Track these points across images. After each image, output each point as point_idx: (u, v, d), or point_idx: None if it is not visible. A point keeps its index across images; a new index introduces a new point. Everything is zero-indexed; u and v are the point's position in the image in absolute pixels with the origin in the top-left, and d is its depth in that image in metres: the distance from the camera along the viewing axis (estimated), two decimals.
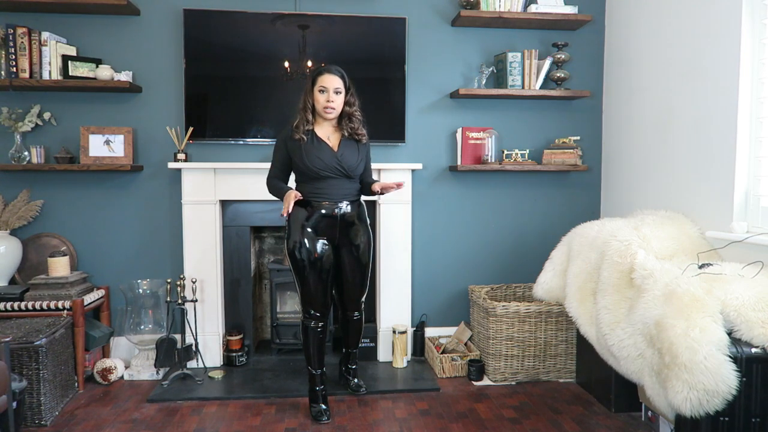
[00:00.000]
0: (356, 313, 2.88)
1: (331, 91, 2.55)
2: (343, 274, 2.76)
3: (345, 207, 2.65)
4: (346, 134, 2.65)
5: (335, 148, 2.62)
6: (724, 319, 1.96)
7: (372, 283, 3.22)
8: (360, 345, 3.10)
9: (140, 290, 3.21)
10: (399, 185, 2.58)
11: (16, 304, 2.92)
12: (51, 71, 3.10)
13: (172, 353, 3.09)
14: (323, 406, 2.67)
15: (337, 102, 2.58)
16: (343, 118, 2.65)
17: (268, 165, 3.23)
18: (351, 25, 3.34)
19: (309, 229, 2.61)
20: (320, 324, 2.69)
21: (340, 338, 3.05)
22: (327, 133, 2.65)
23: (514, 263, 3.64)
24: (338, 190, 2.63)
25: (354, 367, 2.99)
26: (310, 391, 2.73)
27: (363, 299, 2.87)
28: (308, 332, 2.69)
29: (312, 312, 2.67)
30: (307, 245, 2.60)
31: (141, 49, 3.28)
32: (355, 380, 2.97)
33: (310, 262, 2.60)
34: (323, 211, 2.62)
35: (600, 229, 2.73)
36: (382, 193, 2.69)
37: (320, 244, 2.63)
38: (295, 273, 2.66)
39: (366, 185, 2.75)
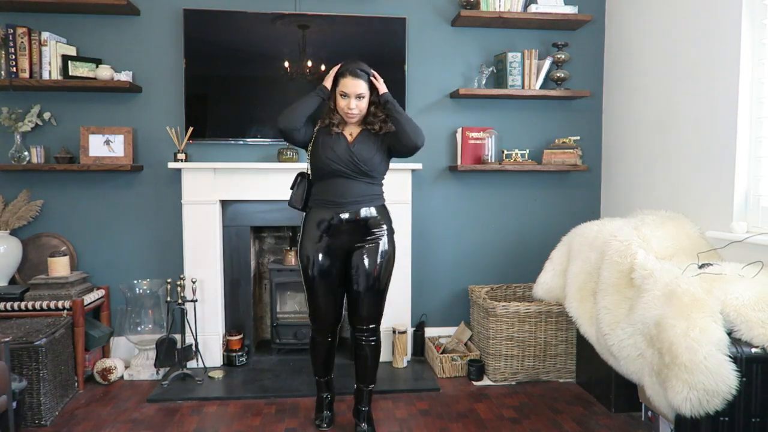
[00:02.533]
0: (367, 336, 2.44)
1: (353, 98, 2.30)
2: (353, 287, 2.41)
3: (363, 212, 2.36)
4: (368, 128, 2.40)
5: (351, 141, 2.36)
6: (724, 319, 1.96)
7: None
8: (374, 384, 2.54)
9: (140, 290, 3.21)
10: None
11: (16, 304, 2.92)
12: (51, 71, 3.10)
13: (172, 353, 3.09)
14: (325, 413, 2.59)
15: (360, 107, 2.33)
16: (366, 116, 2.39)
17: (268, 165, 3.25)
18: (351, 25, 3.34)
19: (321, 238, 2.37)
20: (328, 337, 2.51)
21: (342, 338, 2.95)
22: (350, 129, 2.41)
23: (514, 263, 3.64)
24: (352, 191, 2.34)
25: (365, 409, 2.50)
26: (317, 397, 2.65)
27: (378, 316, 2.46)
28: (314, 344, 2.53)
29: (317, 326, 2.50)
30: (319, 258, 2.37)
31: (141, 49, 3.28)
32: (363, 425, 2.47)
33: (320, 274, 2.38)
34: (342, 216, 2.34)
35: (600, 229, 2.73)
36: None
37: (333, 254, 2.38)
38: (304, 284, 2.45)
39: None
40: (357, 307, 2.42)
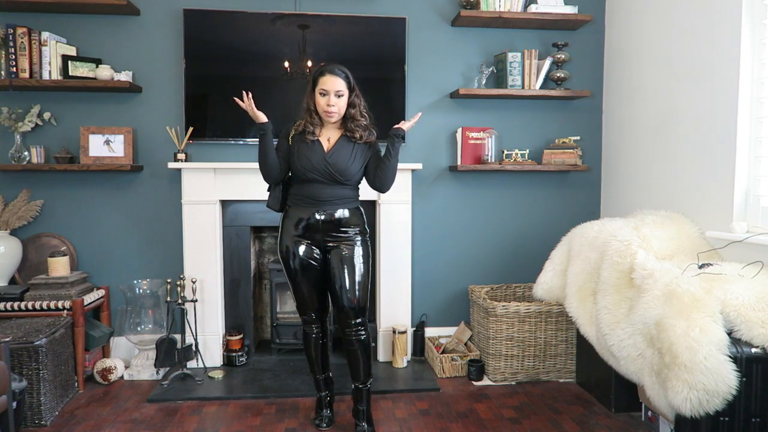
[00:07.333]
0: (356, 332, 2.44)
1: (332, 95, 2.34)
2: (335, 286, 2.45)
3: (338, 214, 2.42)
4: (348, 135, 2.43)
5: (327, 149, 2.40)
6: (724, 319, 1.96)
7: (372, 282, 3.21)
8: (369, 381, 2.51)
9: (140, 290, 3.21)
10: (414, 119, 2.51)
11: (16, 304, 2.92)
12: (51, 71, 3.10)
13: (172, 353, 3.09)
14: (325, 413, 2.61)
15: (339, 105, 2.37)
16: (346, 120, 2.43)
17: None
18: (351, 25, 3.34)
19: (300, 234, 2.43)
20: (317, 327, 2.56)
21: (340, 339, 2.94)
22: (328, 134, 2.44)
23: (514, 263, 3.64)
24: (328, 194, 2.40)
25: (363, 408, 2.49)
26: (317, 397, 2.67)
27: (361, 310, 2.44)
28: (306, 338, 2.58)
29: (305, 316, 2.55)
30: (300, 250, 2.43)
31: (141, 49, 3.28)
32: (363, 425, 2.48)
33: (301, 267, 2.44)
34: (315, 217, 2.41)
35: (600, 229, 2.73)
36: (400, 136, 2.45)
37: (310, 249, 2.44)
38: (287, 277, 2.51)
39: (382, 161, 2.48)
40: (341, 303, 2.43)
